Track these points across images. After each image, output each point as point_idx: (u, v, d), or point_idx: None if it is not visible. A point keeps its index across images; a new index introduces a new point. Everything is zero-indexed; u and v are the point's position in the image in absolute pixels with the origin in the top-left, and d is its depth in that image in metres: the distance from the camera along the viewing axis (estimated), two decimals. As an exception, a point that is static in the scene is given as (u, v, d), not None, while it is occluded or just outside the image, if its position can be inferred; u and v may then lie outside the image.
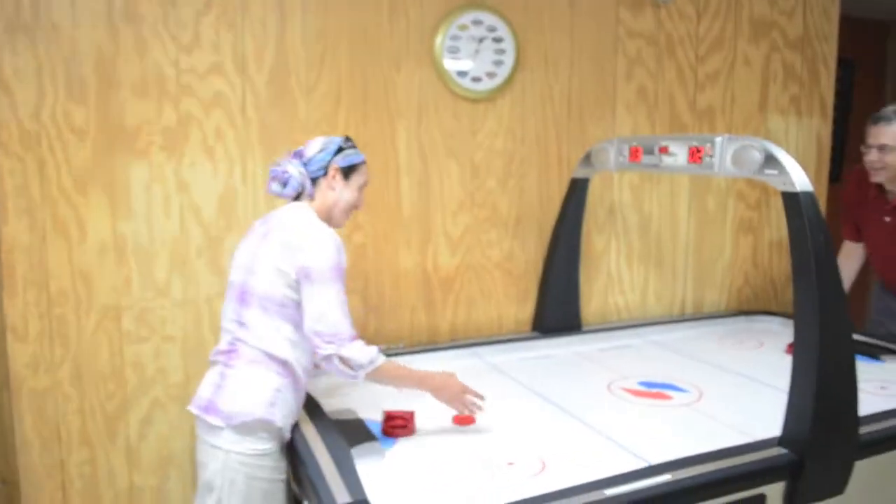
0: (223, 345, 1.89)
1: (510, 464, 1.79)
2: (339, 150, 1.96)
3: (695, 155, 2.13)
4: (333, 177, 1.95)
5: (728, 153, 2.01)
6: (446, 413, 2.11)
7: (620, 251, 3.10)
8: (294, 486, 1.97)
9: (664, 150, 2.26)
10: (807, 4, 3.29)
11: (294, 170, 1.93)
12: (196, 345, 2.44)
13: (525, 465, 1.78)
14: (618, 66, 2.97)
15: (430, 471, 1.77)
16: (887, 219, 2.80)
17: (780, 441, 1.79)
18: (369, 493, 1.55)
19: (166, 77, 2.33)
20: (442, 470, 1.77)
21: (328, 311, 1.78)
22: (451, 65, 2.66)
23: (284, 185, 1.94)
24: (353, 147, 2.01)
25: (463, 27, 2.66)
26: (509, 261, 2.89)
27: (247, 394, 1.80)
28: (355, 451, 1.79)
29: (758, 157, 1.91)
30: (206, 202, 2.42)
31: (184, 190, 2.40)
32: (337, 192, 1.96)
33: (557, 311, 2.87)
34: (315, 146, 1.97)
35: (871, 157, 2.69)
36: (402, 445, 1.91)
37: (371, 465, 1.76)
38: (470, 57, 2.68)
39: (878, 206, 2.82)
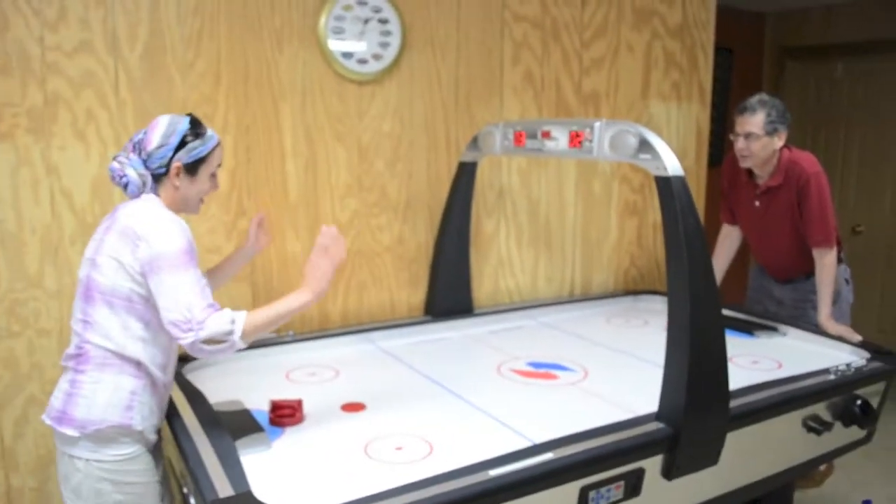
0: (71, 348, 1.77)
1: (398, 449, 1.79)
2: (182, 143, 1.76)
3: (575, 139, 2.17)
4: (177, 175, 1.77)
5: (606, 138, 2.06)
6: (335, 400, 2.09)
7: (510, 234, 3.14)
8: (181, 483, 1.91)
9: (546, 135, 2.29)
10: (685, -7, 3.42)
11: (133, 172, 1.75)
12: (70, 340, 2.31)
13: (413, 449, 1.79)
14: (504, 49, 2.99)
15: (317, 460, 1.75)
16: (757, 203, 2.95)
17: (657, 416, 1.86)
18: (254, 485, 1.52)
19: (30, 55, 2.19)
20: (329, 458, 1.75)
21: (179, 297, 1.65)
22: (335, 45, 2.61)
23: (125, 187, 1.76)
24: (200, 135, 1.79)
25: (347, 7, 2.61)
26: (400, 245, 2.87)
27: (100, 400, 1.70)
28: (241, 443, 1.75)
29: (633, 141, 1.96)
30: (78, 187, 2.30)
31: (54, 174, 2.26)
32: (182, 190, 1.79)
33: (449, 294, 2.88)
34: (155, 138, 1.75)
35: (739, 144, 2.82)
36: (290, 435, 1.88)
37: (257, 457, 1.73)
38: (355, 38, 2.64)
39: (748, 190, 2.97)
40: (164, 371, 1.81)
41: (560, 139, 2.24)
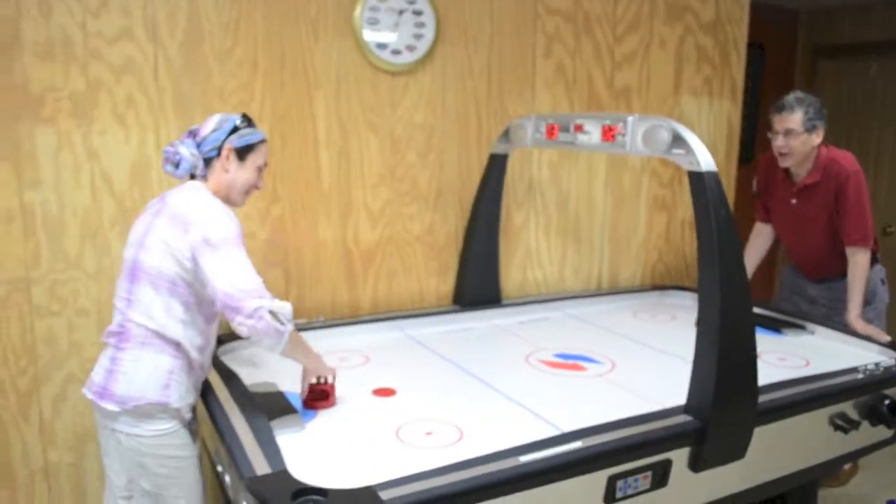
0: (114, 325, 1.85)
1: (428, 434, 1.83)
2: (234, 129, 1.89)
3: (608, 133, 2.18)
4: (227, 157, 1.88)
5: (639, 132, 2.07)
6: (365, 385, 2.13)
7: (539, 226, 3.16)
8: (214, 461, 1.95)
9: (579, 128, 2.30)
10: (719, -11, 3.40)
11: (186, 151, 1.87)
12: (111, 318, 2.36)
13: (443, 434, 1.82)
14: (537, 42, 3.00)
15: (350, 442, 1.79)
16: (794, 201, 2.93)
17: (685, 409, 1.87)
18: (289, 464, 1.55)
19: (73, 41, 2.24)
20: (362, 440, 1.79)
21: (245, 270, 1.74)
22: (370, 36, 2.63)
23: (177, 165, 1.88)
24: (251, 126, 1.93)
25: (383, -2, 2.64)
26: (430, 234, 2.90)
27: (139, 377, 1.77)
28: (275, 424, 1.79)
29: (666, 137, 1.97)
30: (118, 171, 2.35)
31: (94, 158, 2.31)
32: (231, 173, 1.90)
33: (478, 284, 2.91)
34: (210, 125, 1.90)
35: (779, 142, 2.81)
36: (323, 417, 1.92)
37: (291, 437, 1.77)
38: (390, 29, 2.66)
39: (785, 188, 2.96)
40: (202, 353, 1.87)
41: (593, 133, 2.25)
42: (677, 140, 1.93)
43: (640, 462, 1.74)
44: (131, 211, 2.37)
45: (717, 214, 1.81)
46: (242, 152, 1.90)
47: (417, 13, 2.69)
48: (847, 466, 3.17)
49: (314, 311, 2.70)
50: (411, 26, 2.69)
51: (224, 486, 1.88)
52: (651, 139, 2.02)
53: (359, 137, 2.70)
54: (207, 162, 1.90)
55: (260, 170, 1.96)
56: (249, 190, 1.96)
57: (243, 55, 2.46)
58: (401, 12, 2.67)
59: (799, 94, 2.79)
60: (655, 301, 3.26)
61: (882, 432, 2.29)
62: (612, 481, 1.70)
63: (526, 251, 3.15)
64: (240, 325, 1.74)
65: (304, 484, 1.47)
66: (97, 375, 1.83)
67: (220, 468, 1.94)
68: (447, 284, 2.97)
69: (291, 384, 2.05)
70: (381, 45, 2.65)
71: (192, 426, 1.92)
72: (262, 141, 1.95)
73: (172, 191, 1.88)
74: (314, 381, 1.99)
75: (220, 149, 1.88)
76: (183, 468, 1.85)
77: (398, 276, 2.87)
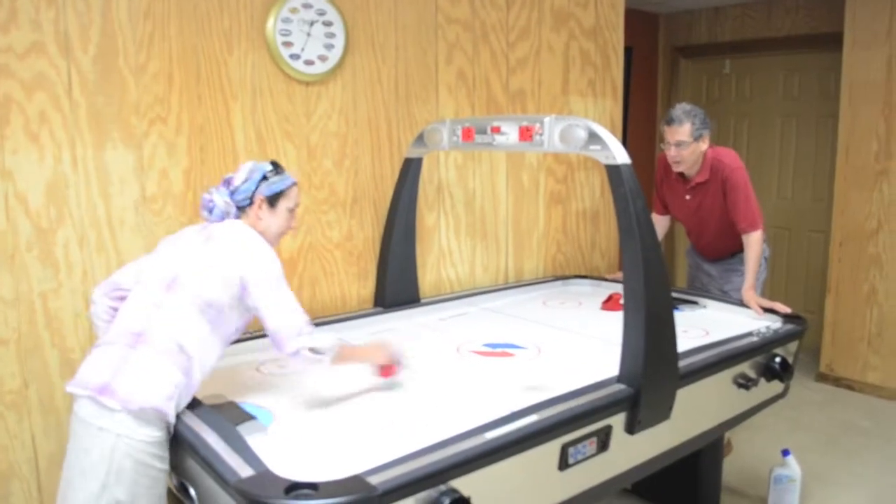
0: (132, 325, 1.85)
1: (392, 423, 1.91)
2: (264, 178, 2.02)
3: (525, 134, 2.33)
4: (259, 206, 2.02)
5: (556, 132, 2.23)
6: (311, 389, 2.17)
7: (450, 226, 3.30)
8: (172, 477, 1.93)
9: (496, 130, 2.45)
10: (597, -3, 3.68)
11: (219, 199, 2.01)
12: (32, 346, 2.29)
13: (406, 422, 1.91)
14: (438, 50, 3.14)
15: (317, 439, 1.84)
16: (688, 197, 3.23)
17: (619, 379, 2.06)
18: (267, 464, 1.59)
19: (-21, 57, 2.16)
20: (329, 436, 1.85)
21: (292, 308, 1.93)
22: (283, 47, 2.68)
23: (210, 211, 2.01)
24: (280, 173, 2.05)
25: (294, 10, 2.69)
26: (349, 240, 2.97)
27: (150, 380, 1.78)
28: (240, 430, 1.80)
29: (583, 134, 2.14)
30: (33, 191, 2.27)
31: (7, 178, 2.23)
32: (264, 221, 2.03)
33: (397, 286, 2.99)
34: (241, 174, 2.02)
35: (672, 152, 3.07)
36: (282, 419, 1.95)
37: (257, 441, 1.77)
38: (301, 40, 2.72)
39: (680, 186, 3.25)
40: (203, 374, 1.92)
41: (510, 134, 2.39)
42: (593, 137, 2.11)
43: (586, 429, 1.91)
44: (48, 232, 2.30)
45: (634, 201, 2.00)
46: (273, 200, 2.03)
47: (328, 24, 2.76)
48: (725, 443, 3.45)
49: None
50: (322, 37, 2.75)
51: (188, 500, 1.88)
52: (568, 137, 2.19)
53: (276, 146, 2.73)
54: (241, 209, 2.03)
55: (291, 212, 2.08)
56: (283, 233, 2.08)
57: (158, 69, 2.45)
58: (311, 23, 2.73)
59: (686, 106, 3.06)
60: (560, 290, 3.47)
61: (775, 387, 2.59)
62: (564, 449, 1.86)
63: (439, 251, 3.28)
64: (288, 355, 1.93)
65: (292, 480, 1.51)
66: (100, 373, 1.78)
67: (179, 482, 1.93)
68: (367, 288, 3.05)
69: (236, 395, 2.07)
70: (295, 56, 2.70)
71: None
72: (292, 185, 2.07)
73: (217, 224, 2.00)
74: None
75: (252, 198, 2.01)
76: (157, 480, 1.82)
77: (320, 283, 2.92)
